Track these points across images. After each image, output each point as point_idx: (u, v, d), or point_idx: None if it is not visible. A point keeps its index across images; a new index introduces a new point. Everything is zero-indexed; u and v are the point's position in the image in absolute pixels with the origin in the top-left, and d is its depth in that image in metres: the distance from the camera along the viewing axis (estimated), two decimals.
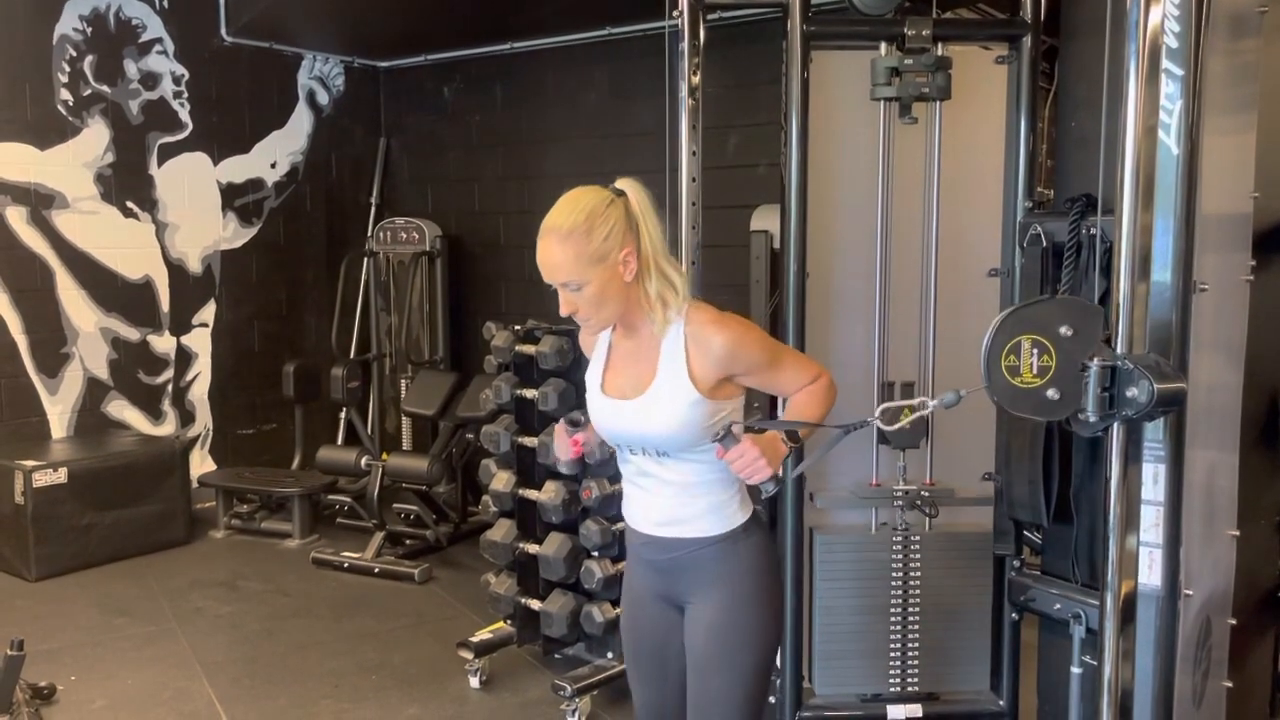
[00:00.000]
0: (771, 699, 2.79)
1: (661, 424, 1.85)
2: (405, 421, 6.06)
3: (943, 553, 2.78)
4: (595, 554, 3.42)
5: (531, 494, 3.51)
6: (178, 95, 5.65)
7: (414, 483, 5.04)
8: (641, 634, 2.05)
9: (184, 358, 5.77)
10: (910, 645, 2.80)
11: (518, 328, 3.67)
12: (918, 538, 2.78)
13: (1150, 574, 1.71)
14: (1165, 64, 1.62)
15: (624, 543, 2.20)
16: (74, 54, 5.19)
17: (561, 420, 2.07)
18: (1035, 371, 1.67)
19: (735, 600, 1.90)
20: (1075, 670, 2.28)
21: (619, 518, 2.63)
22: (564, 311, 1.85)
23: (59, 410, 5.22)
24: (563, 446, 2.06)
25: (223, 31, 5.79)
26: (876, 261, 2.72)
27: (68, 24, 5.16)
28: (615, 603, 3.32)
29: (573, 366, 3.43)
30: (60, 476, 4.64)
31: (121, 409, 5.49)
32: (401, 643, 3.97)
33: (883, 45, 2.62)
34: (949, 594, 2.79)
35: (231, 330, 5.97)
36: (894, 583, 2.78)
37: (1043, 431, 2.40)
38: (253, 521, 5.38)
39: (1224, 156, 1.97)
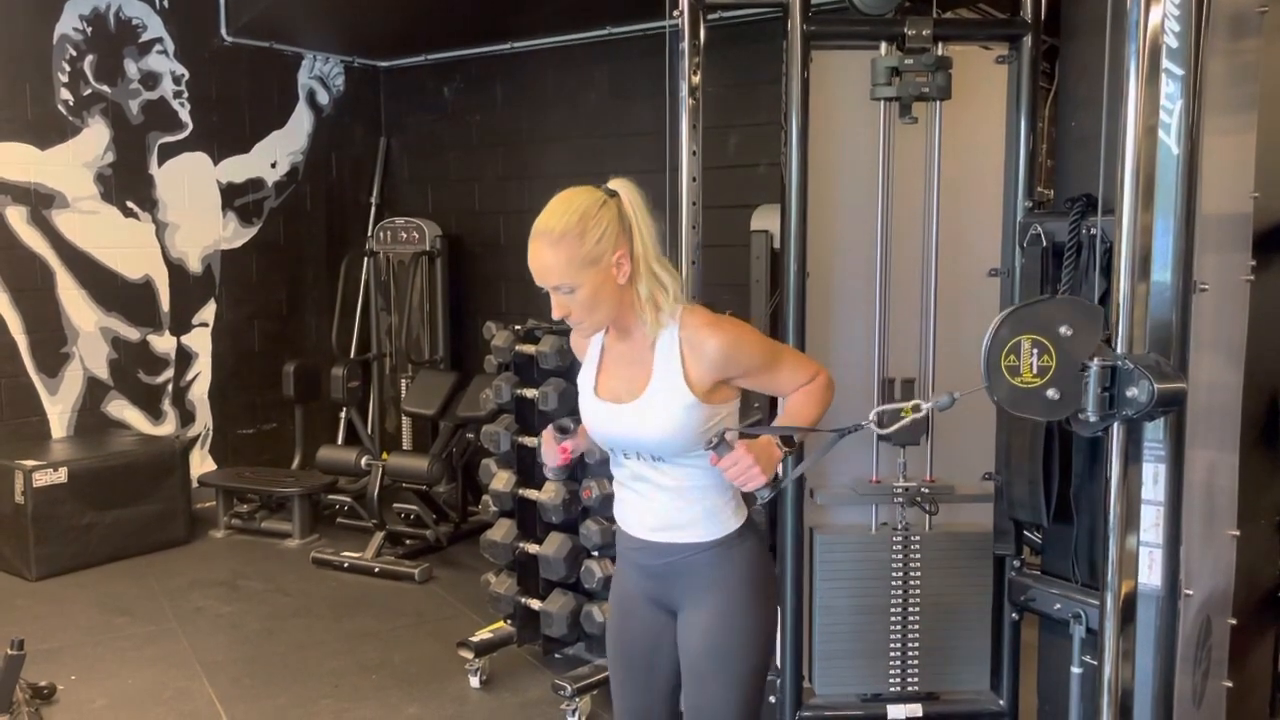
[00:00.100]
0: (771, 699, 2.79)
1: (657, 428, 1.83)
2: (405, 421, 6.06)
3: (943, 552, 2.78)
4: (595, 554, 3.42)
5: (532, 494, 3.51)
6: (178, 95, 5.65)
7: (414, 482, 5.04)
8: (631, 638, 2.02)
9: (184, 357, 5.77)
10: (910, 645, 2.80)
11: (518, 327, 3.67)
12: (918, 537, 2.78)
13: (1150, 574, 1.71)
14: (1165, 64, 1.62)
15: None
16: (74, 54, 5.19)
17: (549, 427, 2.05)
18: (1035, 371, 1.66)
19: (730, 606, 1.88)
20: (1075, 670, 2.28)
21: None
22: (556, 315, 1.83)
23: (59, 410, 5.23)
24: (550, 453, 2.03)
25: (223, 31, 5.80)
26: (876, 261, 2.72)
27: (68, 24, 5.16)
28: None
29: (573, 366, 3.40)
30: (60, 476, 4.64)
31: (121, 409, 5.49)
32: (402, 642, 3.97)
33: (883, 45, 2.61)
34: (949, 594, 2.79)
35: (231, 330, 5.98)
36: (894, 582, 2.78)
37: (1043, 431, 2.40)
38: (253, 521, 5.38)
39: (1224, 156, 1.97)
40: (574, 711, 3.24)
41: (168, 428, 5.69)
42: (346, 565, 4.77)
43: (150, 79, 5.52)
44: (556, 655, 3.68)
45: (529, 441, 3.53)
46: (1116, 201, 1.67)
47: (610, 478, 2.00)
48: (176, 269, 5.70)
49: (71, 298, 5.24)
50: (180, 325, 5.74)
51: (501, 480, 3.64)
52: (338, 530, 5.37)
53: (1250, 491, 2.15)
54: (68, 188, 5.19)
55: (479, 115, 6.27)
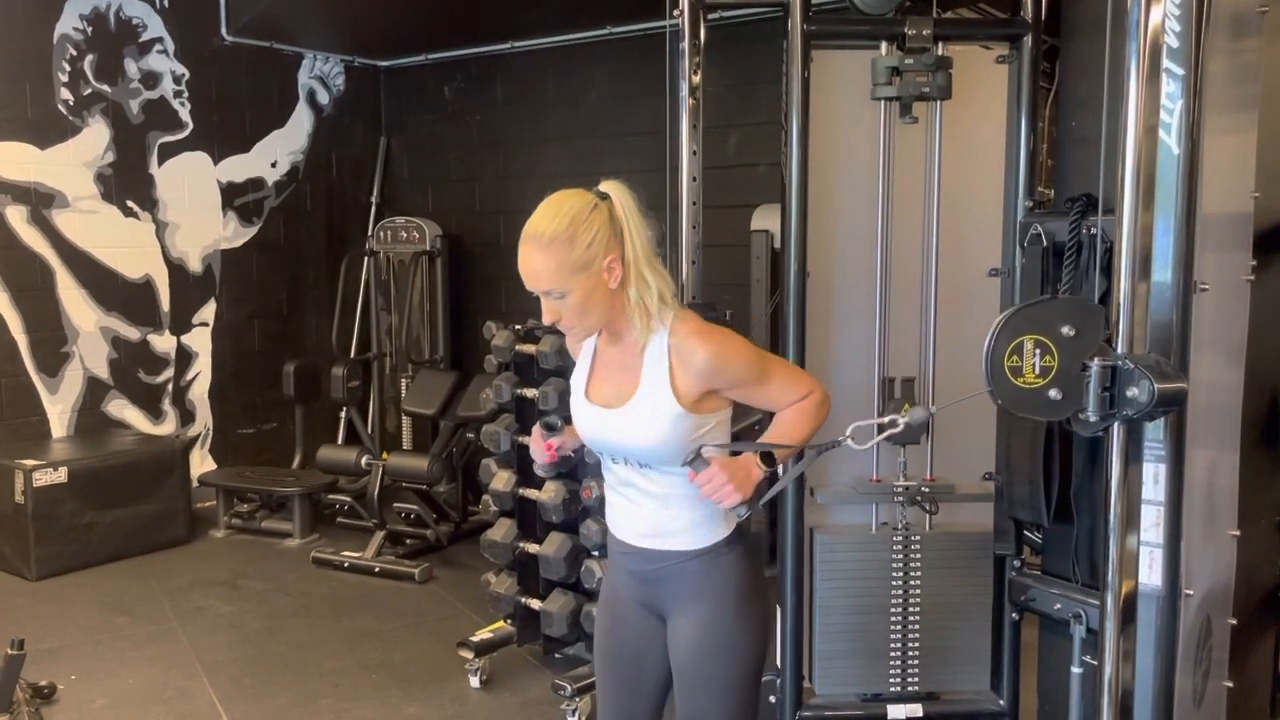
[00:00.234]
0: (771, 699, 2.79)
1: (643, 437, 1.81)
2: (405, 421, 6.07)
3: (943, 552, 2.78)
4: (595, 554, 3.42)
5: (532, 493, 3.51)
6: (178, 94, 5.65)
7: (414, 482, 5.04)
8: (621, 640, 2.01)
9: (184, 357, 5.77)
10: (910, 645, 2.80)
11: (518, 327, 3.67)
12: (918, 537, 2.77)
13: (1150, 574, 1.71)
14: (1166, 64, 1.61)
15: None
16: (74, 53, 5.19)
17: (538, 424, 2.04)
18: (1038, 372, 1.66)
19: (717, 614, 1.87)
20: (1075, 670, 2.28)
21: None
22: (547, 320, 1.80)
23: (59, 410, 5.23)
24: (538, 450, 2.03)
25: (223, 31, 5.80)
26: (877, 261, 2.72)
27: (68, 23, 5.16)
28: None
29: (573, 366, 3.43)
30: (60, 476, 4.64)
31: (122, 408, 5.49)
32: (402, 642, 3.98)
33: (883, 45, 2.61)
34: (949, 594, 2.78)
35: (232, 329, 5.98)
36: (894, 582, 2.78)
37: (1043, 431, 2.40)
38: (253, 521, 5.38)
39: (1224, 156, 1.97)
40: (574, 711, 3.24)
41: (168, 427, 5.70)
42: (347, 565, 4.77)
43: (150, 78, 5.52)
44: (556, 655, 3.68)
45: (529, 441, 3.53)
46: (1117, 201, 1.67)
47: None
48: (176, 268, 5.70)
49: (71, 297, 5.24)
50: (180, 325, 5.74)
51: (502, 480, 3.64)
52: (338, 530, 5.37)
53: (1251, 491, 2.15)
54: (68, 187, 5.19)
55: (479, 115, 6.28)
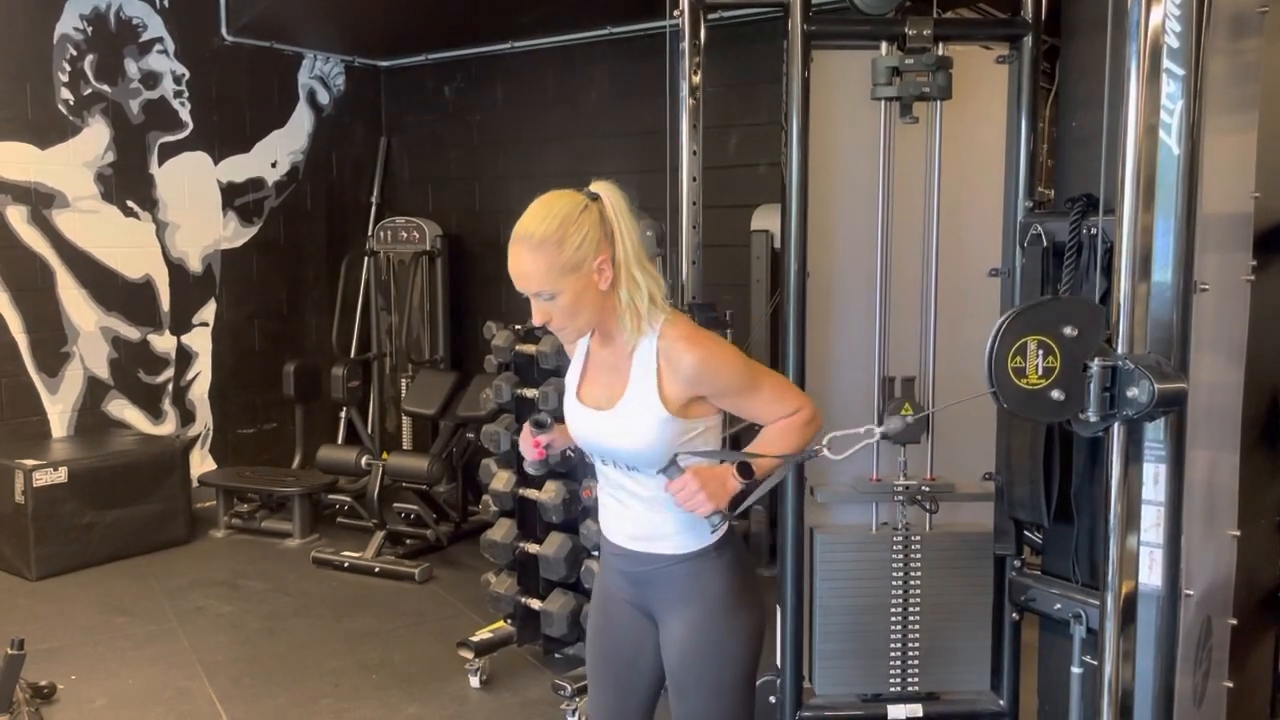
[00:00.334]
0: (771, 699, 2.79)
1: (630, 440, 1.81)
2: (405, 421, 6.07)
3: (943, 552, 2.78)
4: (595, 554, 3.42)
5: (532, 493, 3.51)
6: (178, 94, 5.65)
7: (414, 482, 5.04)
8: (613, 640, 2.01)
9: (184, 357, 5.77)
10: (910, 645, 2.80)
11: (518, 327, 3.67)
12: (918, 537, 2.77)
13: (1150, 574, 1.71)
14: (1166, 64, 1.61)
15: None
16: (74, 53, 5.20)
17: (527, 421, 2.04)
18: (1041, 373, 1.66)
19: (707, 617, 1.86)
20: (1075, 670, 2.28)
21: None
22: (537, 321, 1.79)
23: (59, 409, 5.23)
24: (526, 447, 2.02)
25: (223, 31, 5.80)
26: (877, 261, 2.72)
27: (68, 23, 5.17)
28: None
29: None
30: (60, 476, 4.64)
31: (122, 408, 5.49)
32: (402, 642, 3.98)
33: (883, 45, 2.61)
34: (949, 594, 2.78)
35: (232, 329, 5.98)
36: (894, 582, 2.78)
37: (1043, 431, 2.40)
38: (253, 521, 5.38)
39: (1225, 156, 1.97)
40: (574, 711, 3.24)
41: (168, 427, 5.70)
42: (347, 565, 4.77)
43: (150, 78, 5.52)
44: (556, 655, 3.68)
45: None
46: (1117, 201, 1.67)
47: None
48: (177, 268, 5.70)
49: (72, 297, 5.24)
50: (180, 325, 5.75)
51: (502, 480, 3.64)
52: (338, 530, 5.37)
53: (1251, 491, 2.15)
54: (68, 187, 5.19)
55: (479, 115, 6.28)
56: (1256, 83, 2.03)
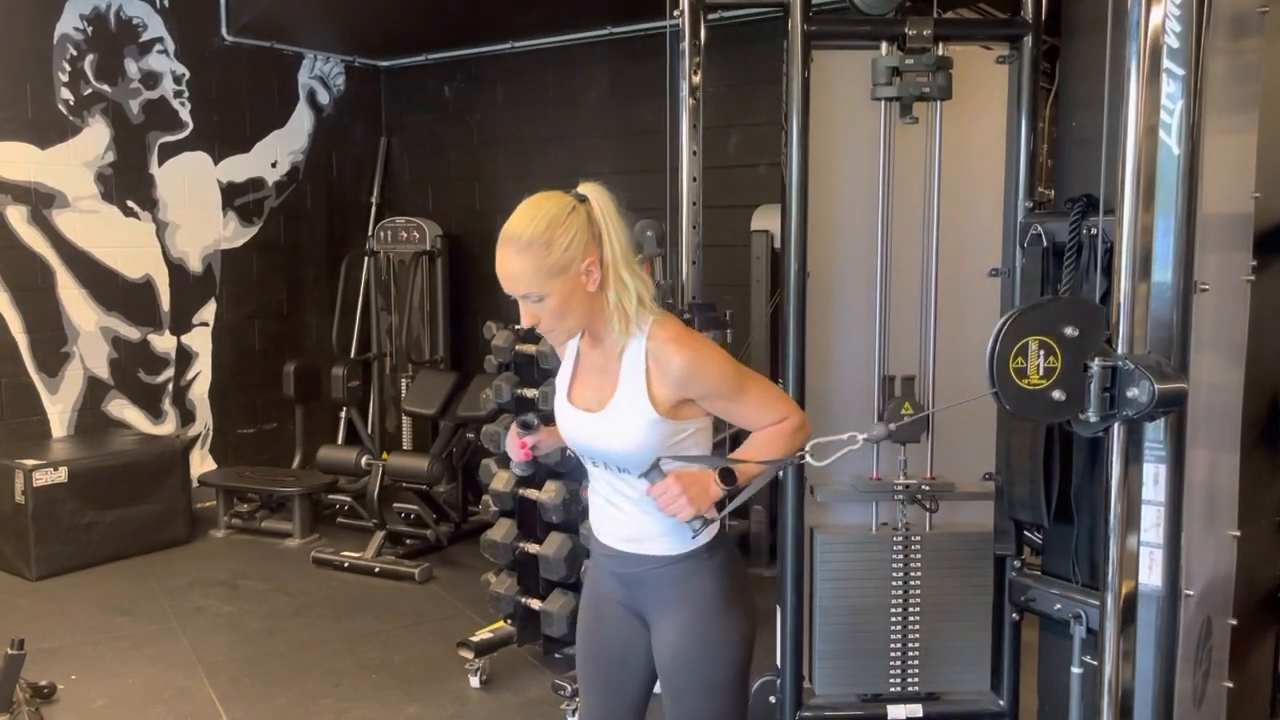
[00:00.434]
0: (771, 699, 2.79)
1: (620, 442, 1.80)
2: (405, 421, 6.07)
3: (943, 553, 2.78)
4: None
5: (532, 493, 3.51)
6: (178, 94, 5.65)
7: (414, 482, 5.04)
8: (603, 642, 2.01)
9: (184, 357, 5.77)
10: (910, 645, 2.80)
11: (518, 327, 3.66)
12: (918, 538, 2.77)
13: (1151, 574, 1.71)
14: (1166, 64, 1.61)
15: None
16: (75, 53, 5.20)
17: (514, 422, 2.04)
18: (1042, 373, 1.66)
19: (698, 619, 1.86)
20: (1075, 670, 2.28)
21: None
22: (525, 323, 1.79)
23: (59, 409, 5.23)
24: (513, 448, 2.02)
25: (223, 31, 5.80)
26: (877, 261, 2.72)
27: (68, 23, 5.17)
28: None
29: None
30: (61, 476, 4.64)
31: (122, 408, 5.49)
32: (402, 642, 3.98)
33: (883, 45, 2.61)
34: (949, 594, 2.78)
35: (232, 329, 5.98)
36: (894, 583, 2.78)
37: (1044, 431, 2.40)
38: (253, 521, 5.39)
39: (1225, 156, 1.97)
40: (574, 711, 3.24)
41: (168, 427, 5.70)
42: (347, 565, 4.77)
43: (151, 78, 5.52)
44: (556, 655, 3.68)
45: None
46: (1117, 201, 1.67)
47: None
48: (177, 268, 5.70)
49: (72, 297, 5.24)
50: (180, 325, 5.75)
51: (502, 480, 3.64)
52: (338, 530, 5.37)
53: (1251, 491, 2.15)
54: (68, 187, 5.19)
55: (479, 115, 6.28)
56: (1256, 83, 2.03)
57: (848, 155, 2.73)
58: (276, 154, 6.16)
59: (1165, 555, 1.71)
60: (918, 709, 2.76)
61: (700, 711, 1.89)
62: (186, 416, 5.80)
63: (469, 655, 3.57)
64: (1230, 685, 2.14)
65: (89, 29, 5.24)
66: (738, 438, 2.15)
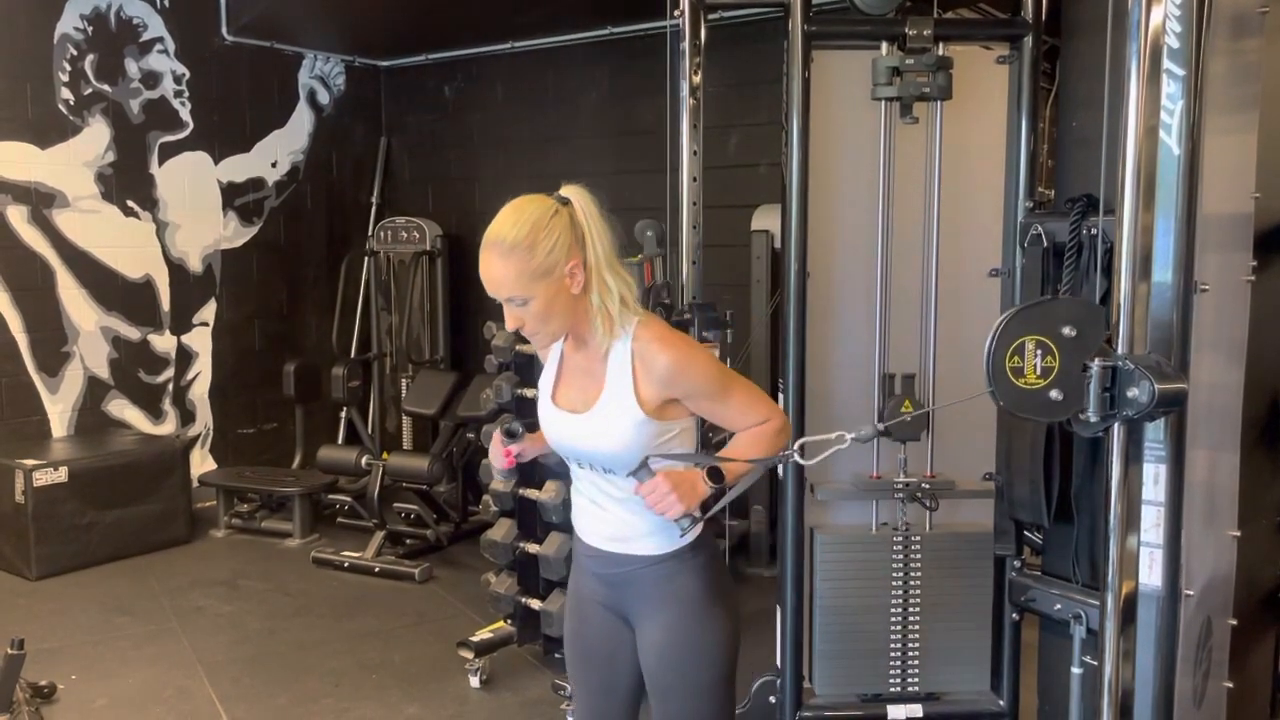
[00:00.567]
0: (771, 699, 2.79)
1: (607, 443, 1.81)
2: (406, 421, 6.07)
3: (943, 552, 2.78)
4: None
5: (532, 493, 3.51)
6: (178, 94, 5.65)
7: (414, 482, 5.04)
8: (589, 644, 2.01)
9: (184, 357, 5.77)
10: (910, 645, 2.80)
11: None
12: (918, 537, 2.78)
13: (1151, 574, 1.71)
14: (1166, 64, 1.62)
15: None
16: (75, 53, 5.20)
17: (498, 429, 2.04)
18: (1039, 373, 1.66)
19: (682, 620, 1.87)
20: (1075, 670, 2.28)
21: None
22: (510, 327, 1.80)
23: (59, 409, 5.23)
24: (497, 455, 2.02)
25: (223, 31, 5.80)
26: (877, 261, 2.72)
27: (69, 23, 5.17)
28: None
29: None
30: (61, 475, 4.64)
31: (122, 408, 5.49)
32: (402, 642, 3.98)
33: (884, 45, 2.61)
34: (949, 594, 2.79)
35: (232, 329, 5.98)
36: (894, 582, 2.78)
37: (1044, 431, 2.40)
38: (253, 521, 5.38)
39: (1225, 156, 1.97)
40: (573, 711, 3.24)
41: (168, 427, 5.70)
42: (347, 565, 4.77)
43: (151, 78, 5.52)
44: (556, 655, 3.68)
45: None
46: (1117, 202, 1.67)
47: None
48: (177, 268, 5.70)
49: (72, 297, 5.24)
50: (181, 325, 5.74)
51: (501, 480, 3.64)
52: (338, 530, 5.37)
53: (1251, 491, 2.15)
54: (68, 187, 5.19)
55: (479, 115, 6.28)
56: (1256, 83, 2.03)
57: (848, 155, 2.73)
58: (276, 154, 6.16)
59: (1165, 555, 1.71)
60: (918, 709, 2.76)
61: (687, 712, 1.89)
62: (186, 416, 5.80)
63: (469, 655, 3.57)
64: (1230, 685, 2.14)
65: (89, 29, 5.24)
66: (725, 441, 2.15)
